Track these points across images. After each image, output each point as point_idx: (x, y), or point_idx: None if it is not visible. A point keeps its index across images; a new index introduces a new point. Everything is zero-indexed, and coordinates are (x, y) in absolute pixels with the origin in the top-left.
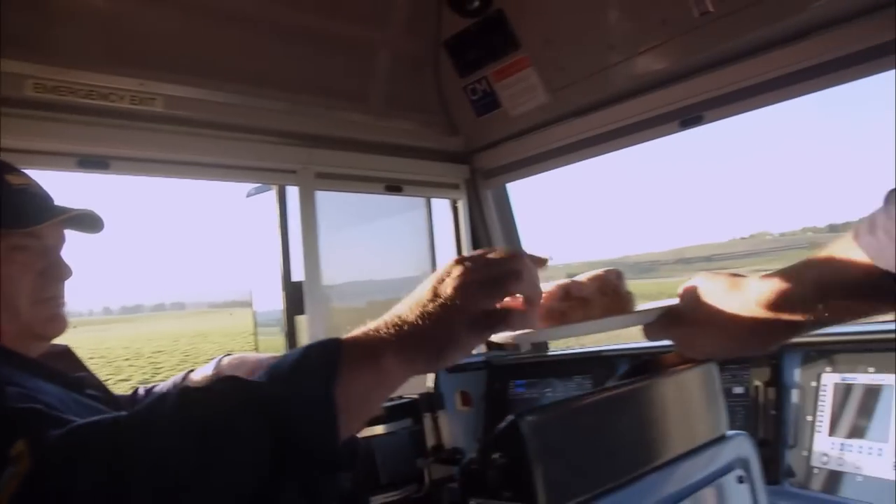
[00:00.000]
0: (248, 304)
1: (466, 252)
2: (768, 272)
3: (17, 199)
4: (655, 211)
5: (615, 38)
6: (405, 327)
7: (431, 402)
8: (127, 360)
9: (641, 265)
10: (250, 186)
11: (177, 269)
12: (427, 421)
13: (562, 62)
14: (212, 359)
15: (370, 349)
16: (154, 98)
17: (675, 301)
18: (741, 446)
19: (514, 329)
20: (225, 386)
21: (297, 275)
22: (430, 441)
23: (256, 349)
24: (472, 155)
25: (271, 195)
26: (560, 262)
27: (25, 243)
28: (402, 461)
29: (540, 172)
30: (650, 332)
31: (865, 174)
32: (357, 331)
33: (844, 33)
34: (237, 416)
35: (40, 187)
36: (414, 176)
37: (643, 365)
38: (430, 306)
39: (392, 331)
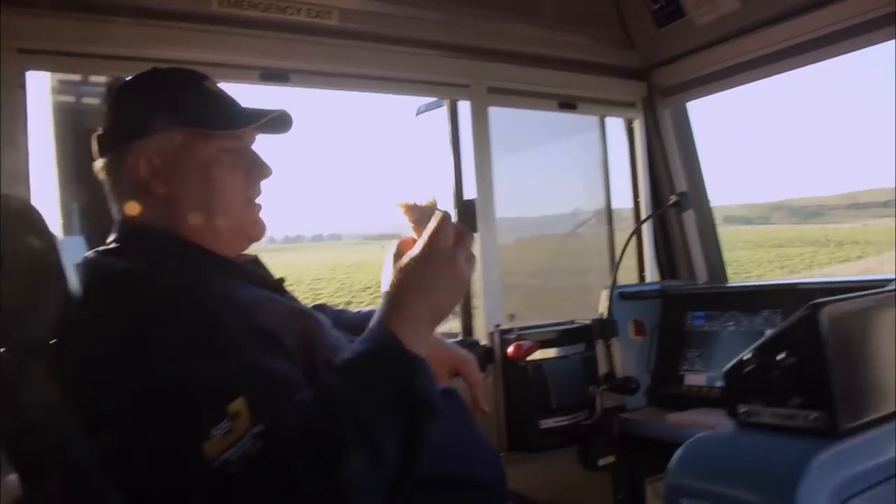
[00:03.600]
0: (399, 237)
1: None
2: None
3: (222, 104)
4: (824, 149)
5: None
6: (437, 307)
7: (604, 328)
8: (290, 285)
9: (808, 209)
10: (421, 103)
11: (334, 201)
12: (599, 348)
13: None
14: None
15: (418, 337)
16: (330, 11)
17: None
18: None
19: None
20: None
21: (469, 193)
22: (603, 368)
23: None
24: (650, 71)
25: (441, 113)
26: (716, 204)
27: (232, 145)
28: (573, 387)
29: (723, 90)
30: None
31: None
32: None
33: None
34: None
35: (227, 92)
36: (588, 93)
37: None
38: (451, 283)
39: (427, 312)
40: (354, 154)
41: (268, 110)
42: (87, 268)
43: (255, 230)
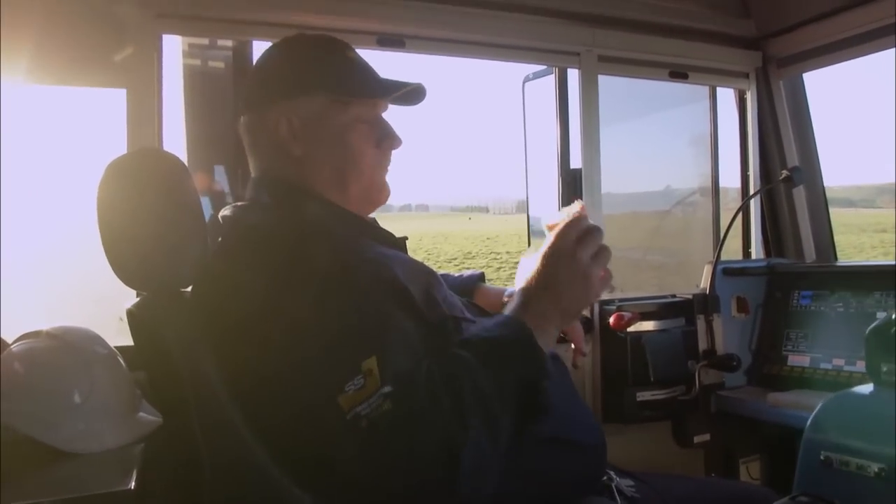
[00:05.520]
0: (485, 210)
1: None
2: None
3: (362, 73)
4: None
5: None
6: (557, 307)
7: (706, 304)
8: None
9: None
10: (529, 71)
11: (425, 171)
12: (700, 323)
13: None
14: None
15: (546, 337)
16: None
17: None
18: None
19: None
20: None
21: (575, 163)
22: (703, 344)
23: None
24: (766, 40)
25: (549, 81)
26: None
27: (368, 114)
28: (672, 361)
29: (842, 61)
30: None
31: None
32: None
33: None
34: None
35: (366, 61)
36: (700, 62)
37: None
38: (573, 282)
39: (553, 308)
40: (453, 124)
41: (405, 82)
42: (227, 221)
43: (381, 196)
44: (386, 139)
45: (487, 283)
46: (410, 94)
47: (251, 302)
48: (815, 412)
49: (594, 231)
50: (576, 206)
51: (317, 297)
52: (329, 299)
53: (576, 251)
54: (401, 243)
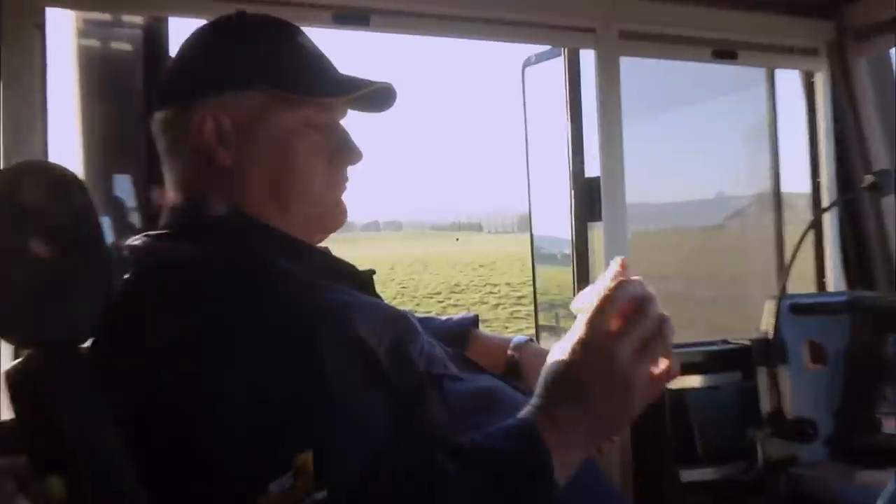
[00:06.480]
0: (478, 227)
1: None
2: None
3: (315, 66)
4: None
5: None
6: (587, 419)
7: (769, 352)
8: None
9: None
10: (530, 53)
11: (397, 180)
12: (762, 377)
13: None
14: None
15: (569, 460)
16: None
17: None
18: None
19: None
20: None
21: (592, 170)
22: (766, 406)
23: (534, 282)
24: (840, 6)
25: (556, 65)
26: None
27: (320, 119)
28: (726, 428)
29: None
30: None
31: None
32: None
33: None
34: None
35: (322, 52)
36: (753, 37)
37: None
38: (609, 387)
39: (583, 420)
40: (434, 120)
41: (370, 80)
42: (136, 254)
43: (335, 220)
44: (341, 152)
45: (483, 329)
46: (376, 97)
47: (166, 367)
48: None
49: (642, 309)
50: (613, 266)
51: (250, 366)
52: (264, 369)
53: (614, 346)
54: (365, 279)
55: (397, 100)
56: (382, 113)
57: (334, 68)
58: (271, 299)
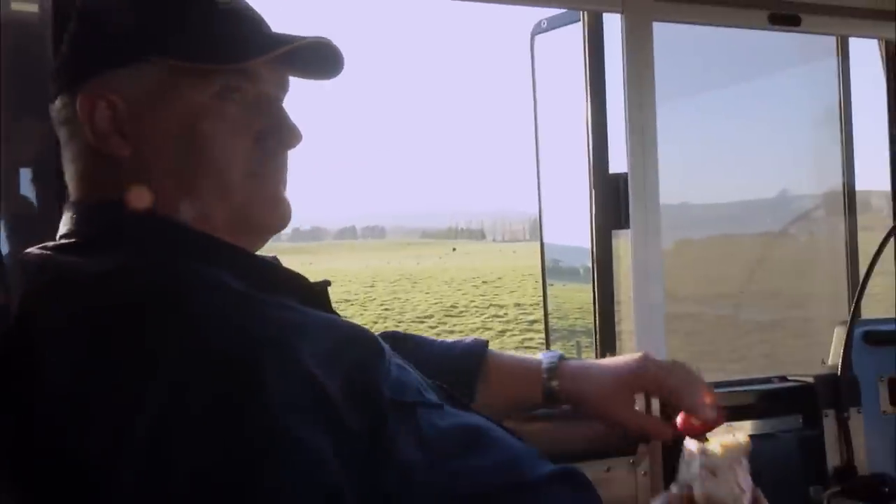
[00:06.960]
0: (479, 235)
1: None
2: None
3: (225, 23)
4: None
5: None
6: None
7: (838, 392)
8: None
9: None
10: (541, 18)
11: (377, 176)
12: (829, 423)
13: None
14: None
15: None
16: None
17: None
18: None
19: None
20: None
21: (618, 164)
22: (834, 458)
23: (544, 303)
24: None
25: (573, 32)
26: None
27: (243, 90)
28: (783, 486)
29: None
30: None
31: None
32: None
33: None
34: None
35: (252, 8)
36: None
37: None
38: None
39: None
40: (423, 103)
41: (299, 36)
42: (32, 268)
43: (272, 218)
44: (273, 132)
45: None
46: (317, 58)
47: (65, 406)
48: None
49: None
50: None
51: (162, 411)
52: (183, 419)
53: None
54: (317, 293)
55: (346, 63)
56: (331, 80)
57: (262, 28)
58: (189, 326)
